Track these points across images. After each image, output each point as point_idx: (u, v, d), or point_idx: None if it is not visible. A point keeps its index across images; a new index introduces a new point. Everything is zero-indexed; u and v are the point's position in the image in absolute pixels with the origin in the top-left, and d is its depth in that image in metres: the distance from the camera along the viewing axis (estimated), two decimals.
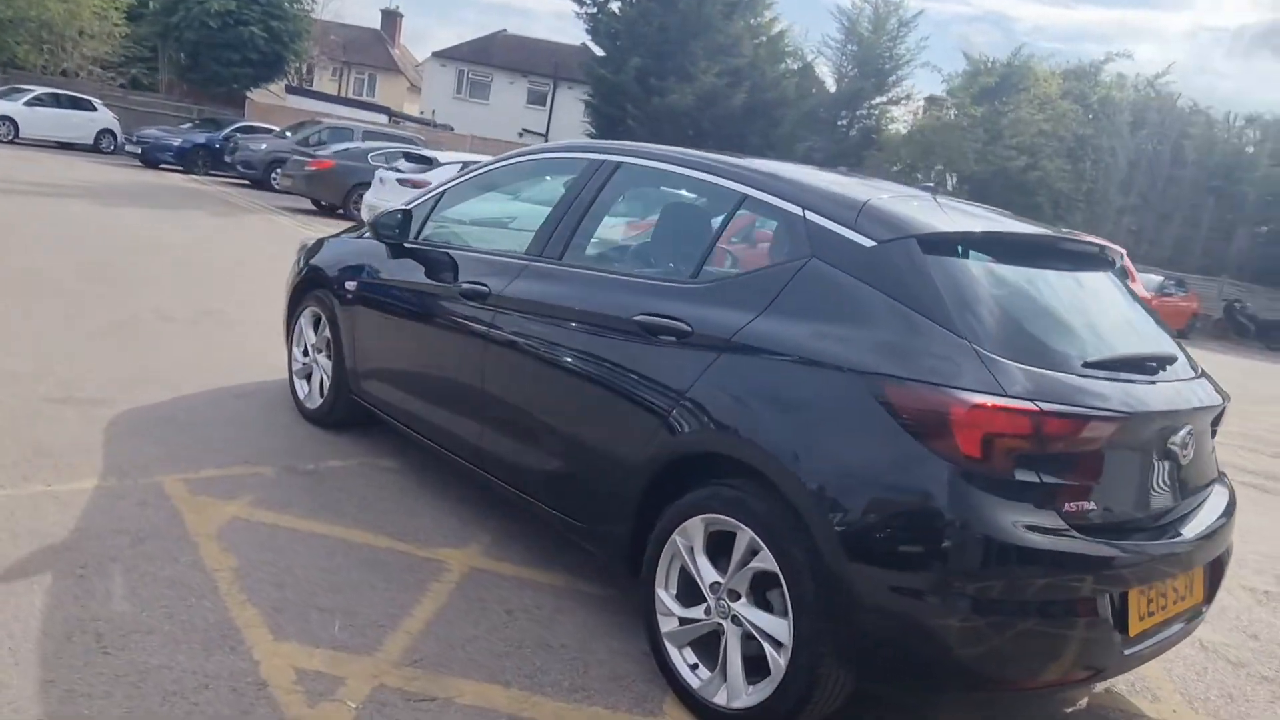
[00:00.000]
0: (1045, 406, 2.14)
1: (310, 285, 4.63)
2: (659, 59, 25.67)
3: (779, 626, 2.33)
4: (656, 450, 2.64)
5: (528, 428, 3.17)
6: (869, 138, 26.88)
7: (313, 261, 4.64)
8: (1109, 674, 2.42)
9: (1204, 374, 2.81)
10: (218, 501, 3.50)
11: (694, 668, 2.57)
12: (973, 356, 2.19)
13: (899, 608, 2.18)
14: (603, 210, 3.24)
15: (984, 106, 24.58)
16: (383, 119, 29.85)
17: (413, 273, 3.84)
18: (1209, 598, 2.70)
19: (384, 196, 13.61)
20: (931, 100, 29.89)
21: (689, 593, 2.61)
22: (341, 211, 16.86)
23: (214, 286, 7.99)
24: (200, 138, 23.00)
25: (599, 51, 28.51)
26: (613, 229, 3.47)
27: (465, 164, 14.07)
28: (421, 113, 39.41)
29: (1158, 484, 2.45)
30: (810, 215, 2.59)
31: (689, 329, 2.63)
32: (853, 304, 2.40)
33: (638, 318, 2.77)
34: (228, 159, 21.69)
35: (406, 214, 3.91)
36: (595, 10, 27.14)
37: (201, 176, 21.78)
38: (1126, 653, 2.34)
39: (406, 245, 3.90)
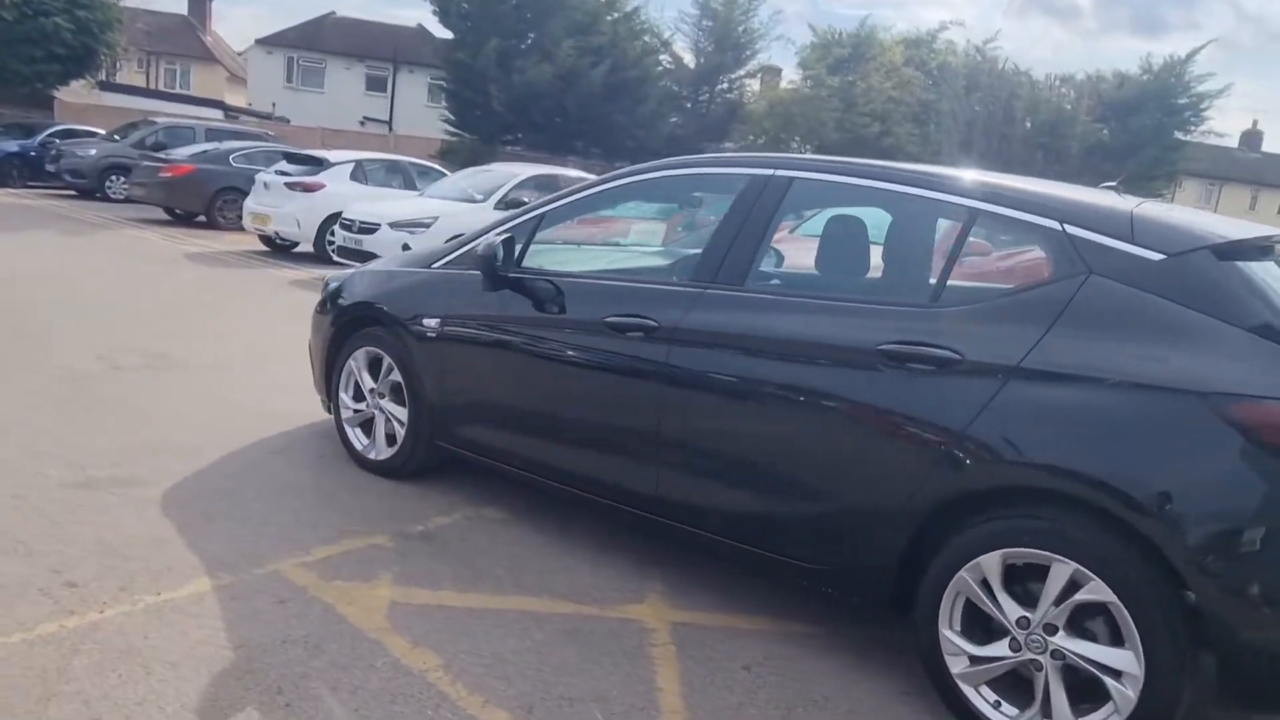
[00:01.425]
0: None
1: (360, 323, 4.17)
2: (516, 39, 25.02)
3: (1121, 658, 2.28)
4: (934, 487, 2.52)
5: (734, 471, 2.95)
6: (733, 111, 27.31)
7: (361, 297, 4.17)
8: None
9: None
10: (359, 586, 3.09)
11: (996, 705, 2.49)
12: None
13: (1264, 627, 2.17)
14: (785, 229, 3.05)
15: (839, 77, 25.49)
16: (218, 114, 27.59)
17: (525, 305, 3.50)
18: None
19: (268, 202, 12.60)
20: (768, 70, 30.59)
21: (978, 628, 2.52)
22: (204, 220, 15.50)
23: (133, 322, 7.11)
24: (12, 145, 20.42)
25: (448, 34, 27.51)
26: (805, 251, 3.28)
27: (359, 163, 13.22)
28: (249, 104, 36.74)
29: None
30: (1071, 229, 2.52)
31: (958, 356, 2.51)
32: (1154, 320, 2.35)
33: (884, 347, 2.62)
34: (50, 168, 19.32)
35: (509, 240, 3.55)
36: None
37: (20, 190, 19.38)
38: None
39: (512, 275, 3.55)
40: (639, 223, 4.41)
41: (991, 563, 2.44)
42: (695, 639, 2.96)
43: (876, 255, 3.04)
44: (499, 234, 3.58)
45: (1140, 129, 27.65)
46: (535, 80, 23.99)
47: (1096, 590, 2.29)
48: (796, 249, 5.46)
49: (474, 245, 3.81)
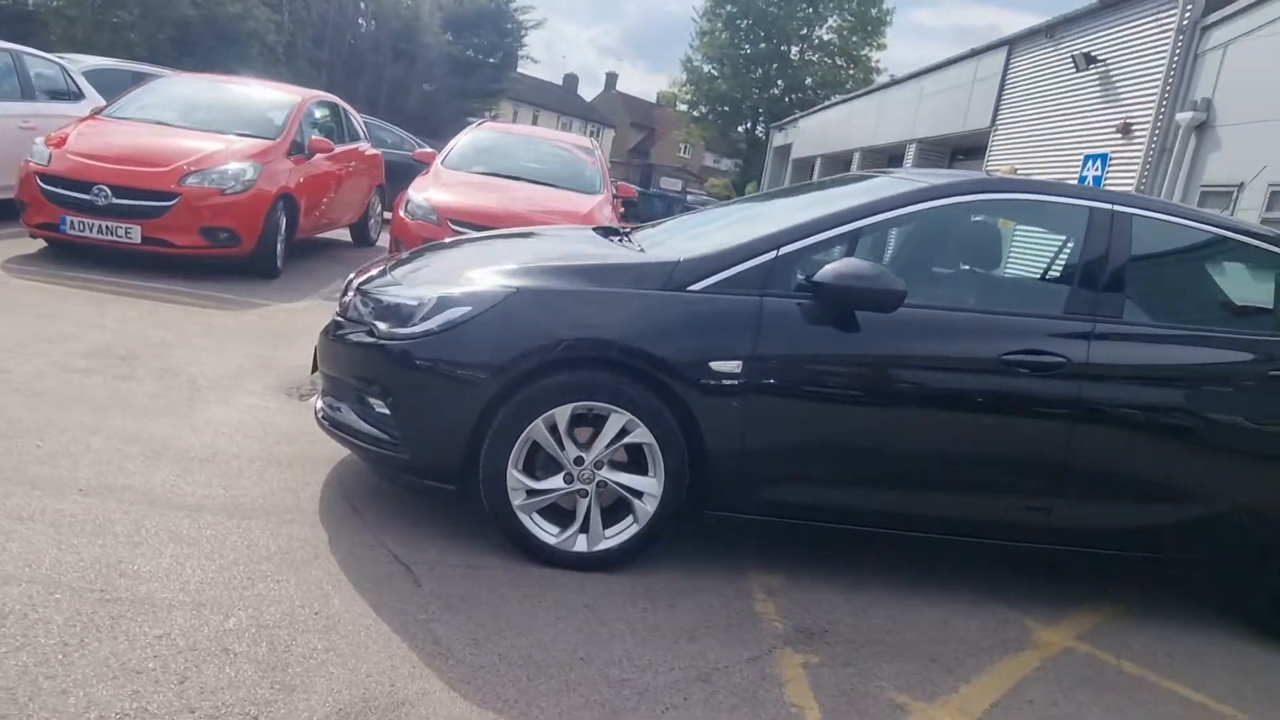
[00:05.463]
0: None
1: (556, 369, 2.92)
2: None
3: None
4: None
5: (1147, 490, 3.24)
6: None
7: (575, 332, 2.92)
8: None
9: None
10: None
11: None
12: None
13: None
14: (1138, 264, 3.31)
15: None
16: None
17: (883, 341, 3.04)
18: None
19: None
20: None
21: None
22: None
23: None
24: None
25: None
26: (1169, 284, 3.48)
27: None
28: None
29: None
30: None
31: None
32: None
33: None
34: None
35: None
36: None
37: None
38: None
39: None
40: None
41: None
42: (1124, 649, 3.18)
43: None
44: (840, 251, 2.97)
45: (480, 46, 30.03)
46: None
47: None
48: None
49: (758, 262, 3.05)
